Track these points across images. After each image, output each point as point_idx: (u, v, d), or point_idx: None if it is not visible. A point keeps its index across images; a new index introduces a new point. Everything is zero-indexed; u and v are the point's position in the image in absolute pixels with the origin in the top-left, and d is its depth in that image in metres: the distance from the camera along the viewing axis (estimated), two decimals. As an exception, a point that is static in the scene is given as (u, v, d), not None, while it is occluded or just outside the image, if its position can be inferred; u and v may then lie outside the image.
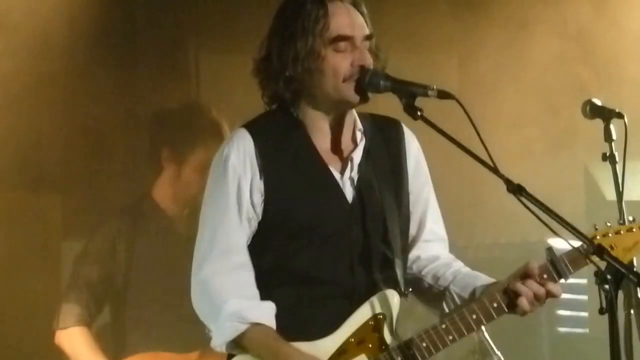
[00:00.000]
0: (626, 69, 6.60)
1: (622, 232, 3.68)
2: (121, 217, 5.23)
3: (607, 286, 3.08)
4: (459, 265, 3.76)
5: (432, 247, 3.77)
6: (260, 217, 3.53)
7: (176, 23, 6.95)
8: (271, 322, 3.49)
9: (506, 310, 3.57)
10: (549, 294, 3.58)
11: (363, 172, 3.61)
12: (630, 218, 3.72)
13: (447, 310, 3.70)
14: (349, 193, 3.58)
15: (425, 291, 3.74)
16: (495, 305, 3.56)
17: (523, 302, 3.54)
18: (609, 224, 3.69)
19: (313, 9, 3.54)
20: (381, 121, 3.73)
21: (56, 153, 6.47)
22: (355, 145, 3.63)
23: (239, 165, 3.51)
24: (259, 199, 3.52)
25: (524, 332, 6.25)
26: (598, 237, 3.64)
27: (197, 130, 5.21)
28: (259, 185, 3.51)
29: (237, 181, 3.52)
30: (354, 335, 3.51)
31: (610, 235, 3.67)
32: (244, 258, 3.52)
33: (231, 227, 3.51)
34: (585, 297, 6.44)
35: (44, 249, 6.32)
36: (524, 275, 3.57)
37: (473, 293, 3.66)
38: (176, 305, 5.05)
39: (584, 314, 6.60)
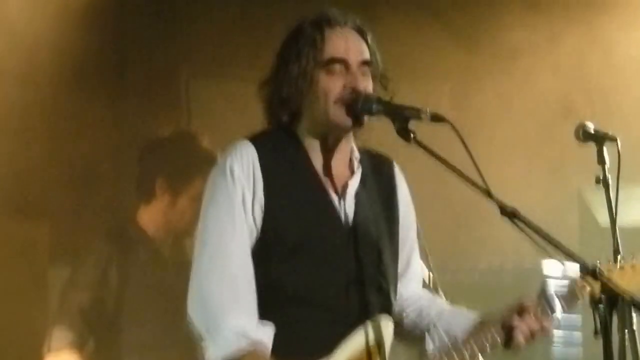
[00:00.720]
0: (619, 94, 6.65)
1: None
2: (110, 242, 5.21)
3: (601, 307, 3.08)
4: (441, 302, 3.83)
5: (413, 286, 3.85)
6: (259, 231, 3.52)
7: (166, 51, 6.97)
8: (269, 344, 3.46)
9: (500, 345, 3.61)
10: (543, 331, 3.61)
11: (359, 199, 3.64)
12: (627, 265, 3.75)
13: (430, 345, 3.70)
14: (346, 217, 3.60)
15: (408, 327, 3.76)
16: (490, 338, 3.59)
17: (519, 337, 3.61)
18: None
19: (311, 33, 3.60)
20: (375, 156, 3.79)
21: (43, 180, 6.47)
22: (352, 172, 3.66)
23: (243, 176, 3.52)
24: (259, 212, 3.51)
25: (517, 352, 6.23)
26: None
27: (192, 160, 5.22)
28: (261, 199, 3.51)
29: (242, 192, 3.51)
30: None
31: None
32: (249, 270, 3.50)
33: (237, 237, 3.49)
34: (579, 317, 6.45)
35: (31, 275, 6.31)
36: (520, 310, 3.60)
37: (460, 329, 3.70)
38: (170, 329, 5.05)
39: (578, 333, 6.62)
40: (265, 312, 3.50)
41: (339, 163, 3.65)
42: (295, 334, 3.49)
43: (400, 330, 3.74)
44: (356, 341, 3.52)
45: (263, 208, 3.51)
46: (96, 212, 6.60)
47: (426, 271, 4.94)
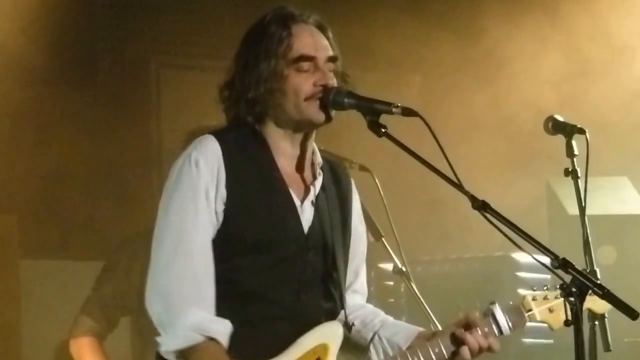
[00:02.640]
0: (587, 88, 6.71)
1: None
2: (143, 237, 5.21)
3: (572, 299, 3.11)
4: (384, 314, 3.79)
5: (358, 297, 3.81)
6: (219, 226, 3.48)
7: (136, 43, 6.97)
8: (225, 342, 3.44)
9: (446, 357, 3.63)
10: (489, 349, 3.63)
11: (318, 205, 3.62)
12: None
13: (374, 356, 3.70)
14: (306, 221, 3.58)
15: (354, 338, 3.73)
16: (436, 350, 3.61)
17: (466, 351, 3.59)
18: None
19: (277, 31, 3.54)
20: (334, 163, 3.76)
21: (12, 173, 6.46)
22: (314, 177, 3.63)
23: (208, 170, 3.46)
24: (220, 207, 3.47)
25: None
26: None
27: None
28: (223, 194, 3.47)
29: (205, 185, 3.46)
30: None
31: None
32: (210, 264, 3.46)
33: (200, 229, 3.45)
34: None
35: (1, 268, 6.30)
36: (467, 325, 3.63)
37: (403, 339, 3.68)
38: None
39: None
40: (218, 306, 3.46)
41: (303, 165, 3.62)
42: (244, 332, 3.45)
43: (347, 340, 3.70)
44: (305, 344, 3.51)
45: (225, 203, 3.47)
46: (68, 202, 6.61)
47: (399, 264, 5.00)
